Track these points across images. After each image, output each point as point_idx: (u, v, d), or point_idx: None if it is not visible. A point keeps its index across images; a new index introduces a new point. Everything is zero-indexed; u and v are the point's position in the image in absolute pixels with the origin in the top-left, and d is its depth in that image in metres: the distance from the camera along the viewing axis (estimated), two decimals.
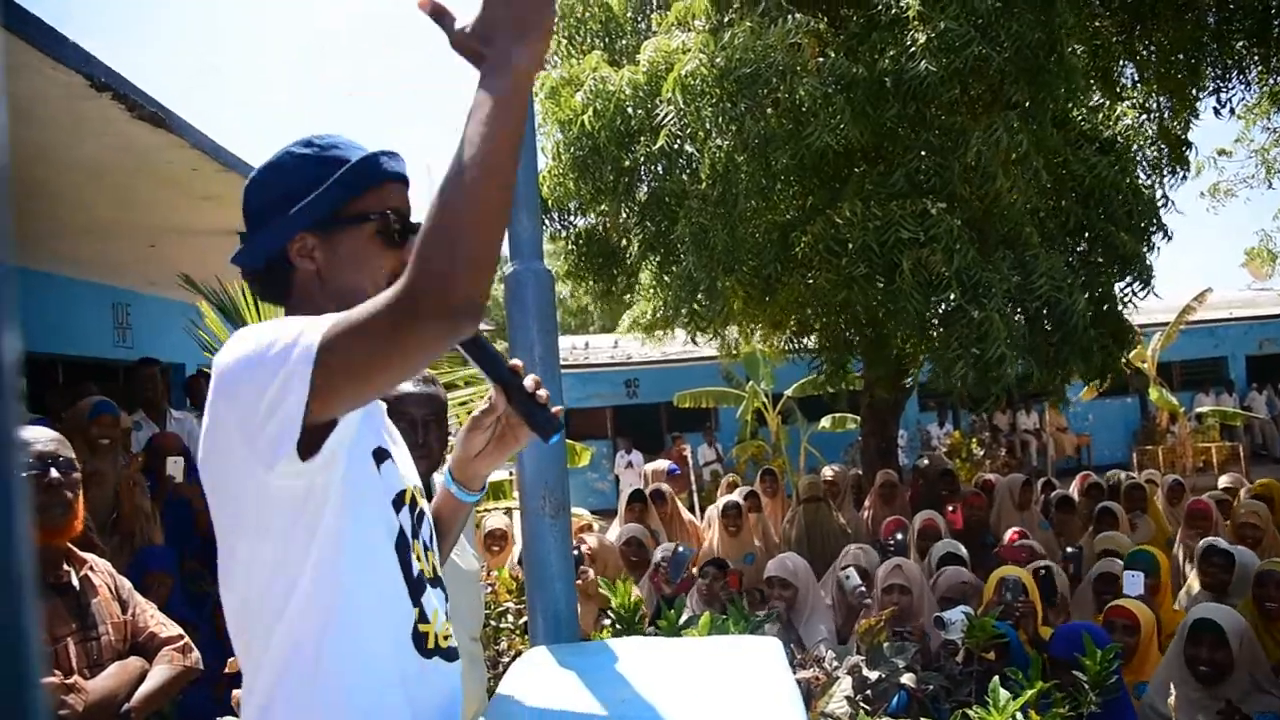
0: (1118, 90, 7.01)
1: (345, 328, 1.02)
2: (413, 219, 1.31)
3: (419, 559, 1.30)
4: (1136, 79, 7.43)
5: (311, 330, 1.04)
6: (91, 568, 2.49)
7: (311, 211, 1.24)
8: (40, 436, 2.32)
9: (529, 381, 1.34)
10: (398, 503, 1.28)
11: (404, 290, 0.98)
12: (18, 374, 0.37)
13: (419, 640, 1.25)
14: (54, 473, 2.28)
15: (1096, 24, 6.65)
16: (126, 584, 2.63)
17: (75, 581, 2.41)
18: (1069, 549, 5.31)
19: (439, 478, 1.58)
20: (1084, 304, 5.19)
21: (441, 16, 1.08)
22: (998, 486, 7.18)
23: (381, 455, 1.29)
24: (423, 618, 1.27)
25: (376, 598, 1.21)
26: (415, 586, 1.27)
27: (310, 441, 1.07)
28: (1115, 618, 3.83)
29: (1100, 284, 6.07)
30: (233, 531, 1.19)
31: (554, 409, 1.35)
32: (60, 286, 7.80)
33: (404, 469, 1.35)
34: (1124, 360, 6.55)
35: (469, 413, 5.49)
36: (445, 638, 1.31)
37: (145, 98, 4.47)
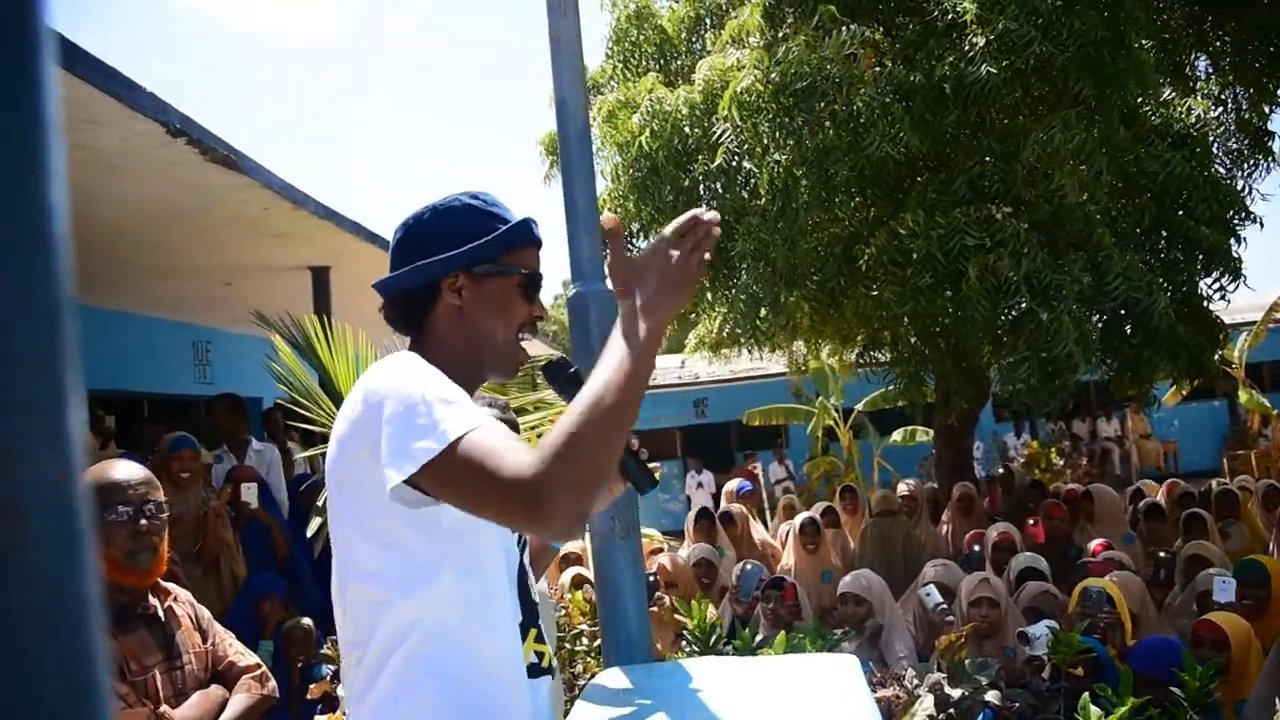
0: (1191, 83, 6.78)
1: (476, 458, 1.14)
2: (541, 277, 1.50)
3: (530, 587, 1.45)
4: (1210, 71, 7.18)
5: (456, 425, 1.17)
6: (175, 599, 2.55)
7: (472, 255, 1.40)
8: (134, 478, 2.39)
9: (634, 440, 1.43)
10: (517, 534, 1.45)
11: (531, 487, 1.10)
12: (82, 407, 0.37)
13: (528, 659, 1.39)
14: (142, 521, 2.35)
15: (1164, 17, 6.45)
16: (206, 613, 2.69)
17: (160, 613, 2.47)
18: (1161, 554, 5.09)
19: None
20: (1165, 303, 5.00)
21: (617, 237, 1.30)
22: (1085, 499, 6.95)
23: None
24: (539, 638, 1.41)
25: (494, 625, 1.33)
26: (528, 612, 1.40)
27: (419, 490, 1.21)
28: (1202, 632, 3.65)
29: (1183, 281, 5.85)
30: (353, 532, 1.31)
31: (653, 466, 1.46)
32: (143, 326, 8.10)
33: None
34: (1217, 357, 6.27)
35: (539, 436, 5.54)
36: (550, 659, 1.47)
37: (218, 141, 4.63)
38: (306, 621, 4.17)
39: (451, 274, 1.40)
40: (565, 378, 1.44)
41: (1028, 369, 4.72)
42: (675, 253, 1.21)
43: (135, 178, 4.87)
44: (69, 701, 0.34)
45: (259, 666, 2.67)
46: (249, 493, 4.94)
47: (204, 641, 2.60)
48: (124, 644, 2.32)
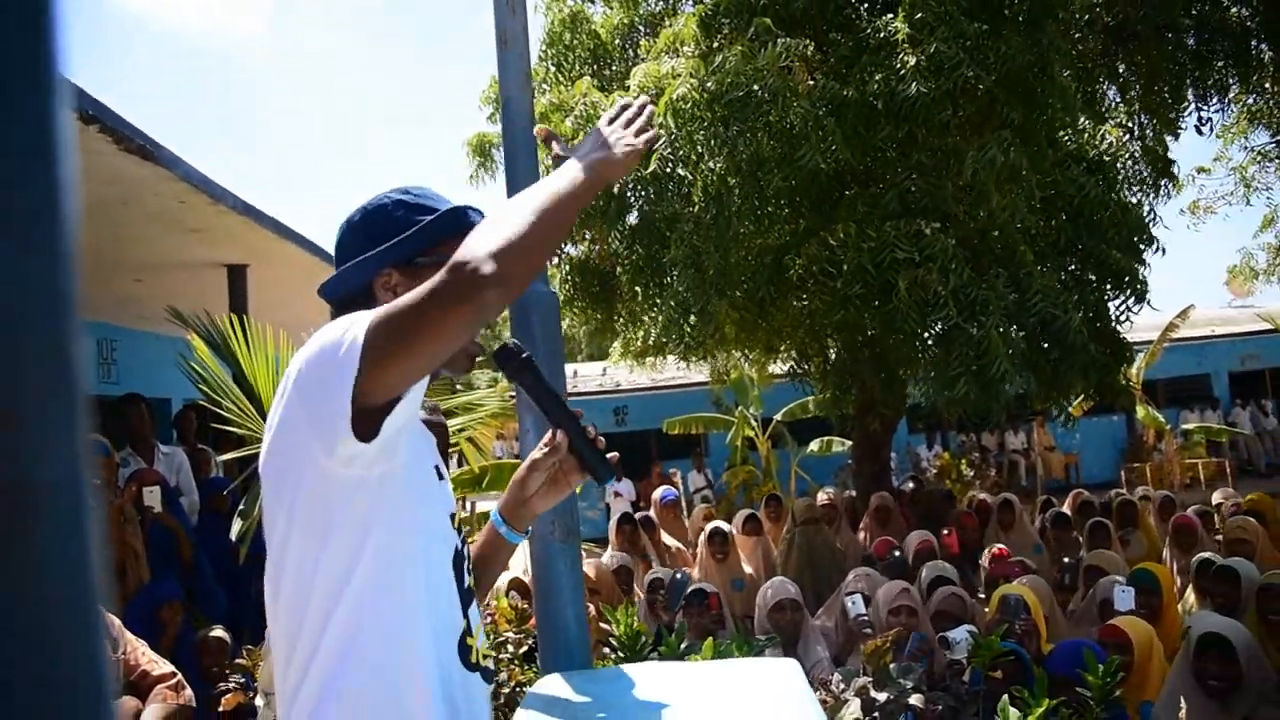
0: (1101, 111, 7.10)
1: (392, 307, 1.14)
2: None
3: (467, 574, 1.37)
4: (1119, 99, 7.53)
5: (365, 315, 1.15)
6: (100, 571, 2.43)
7: (400, 250, 1.36)
8: None
9: (591, 428, 1.44)
10: (452, 519, 1.37)
11: (445, 268, 1.12)
12: (88, 391, 0.37)
13: (464, 652, 1.31)
14: None
15: (1079, 48, 6.74)
16: (116, 622, 2.58)
17: None
18: (1065, 560, 5.30)
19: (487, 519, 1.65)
20: (1079, 320, 5.21)
21: (550, 140, 1.42)
22: (992, 508, 7.19)
23: (439, 474, 1.38)
24: (469, 631, 1.33)
25: (431, 599, 1.27)
26: (465, 599, 1.34)
27: (367, 423, 1.15)
28: (1106, 638, 3.80)
29: (1094, 300, 6.10)
30: (289, 525, 1.25)
31: (610, 455, 1.46)
32: None
33: (452, 494, 1.44)
34: (1122, 375, 6.56)
35: (468, 439, 5.43)
36: (485, 656, 1.38)
37: (133, 130, 4.44)
38: (219, 631, 4.02)
39: (384, 272, 1.36)
40: (519, 362, 1.40)
41: (964, 385, 4.86)
42: (611, 128, 1.35)
43: None
44: (80, 679, 0.34)
45: (174, 675, 2.57)
46: (151, 496, 4.75)
47: (115, 651, 2.49)
48: None
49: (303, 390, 1.19)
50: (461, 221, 1.39)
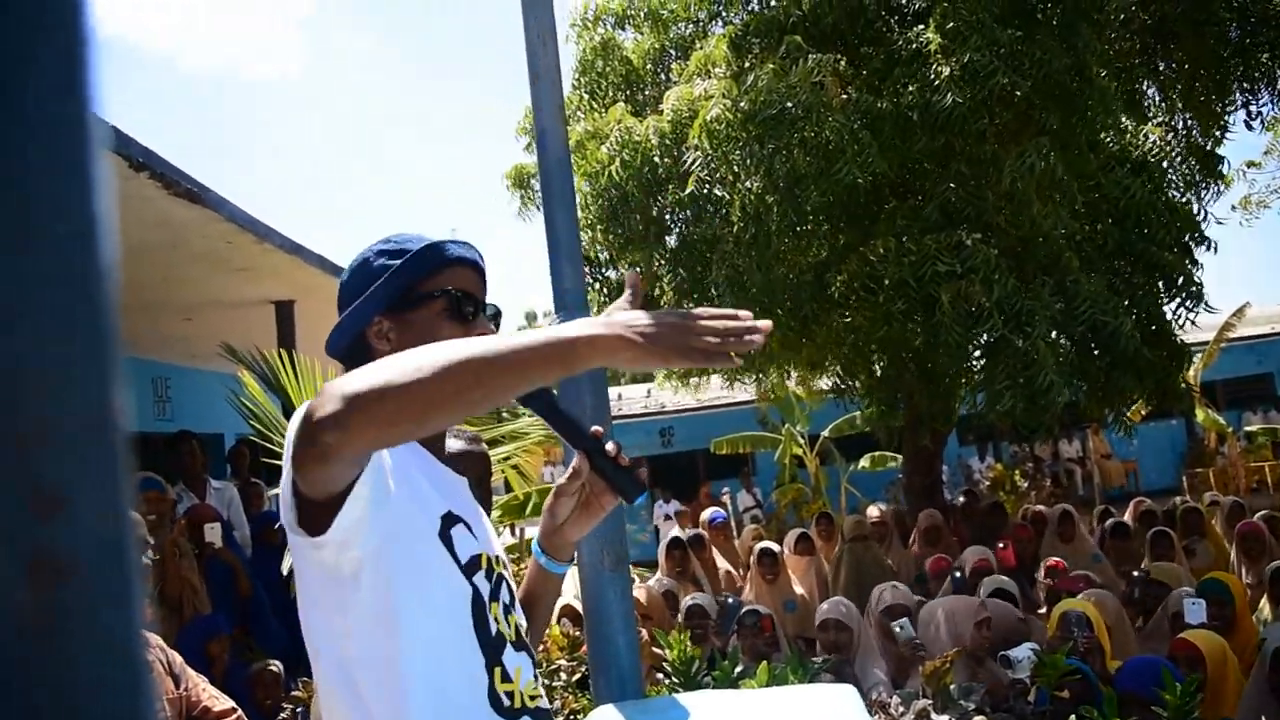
0: (1143, 110, 6.97)
1: (302, 411, 1.05)
2: (487, 301, 1.41)
3: (496, 620, 1.32)
4: (1160, 98, 7.39)
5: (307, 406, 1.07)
6: (146, 644, 2.46)
7: (384, 294, 1.34)
8: None
9: (611, 445, 1.37)
10: (472, 567, 1.31)
11: (313, 400, 1.02)
12: (131, 455, 0.35)
13: (496, 700, 1.27)
14: (143, 560, 2.27)
15: (1117, 47, 6.64)
16: (178, 659, 2.61)
17: None
18: (1134, 574, 5.13)
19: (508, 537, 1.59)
20: (1131, 325, 5.09)
21: (637, 294, 1.16)
22: (1047, 520, 7.03)
23: (451, 520, 1.32)
24: (504, 677, 1.29)
25: (432, 666, 1.24)
26: (495, 644, 1.29)
27: (320, 516, 1.11)
28: (1178, 651, 3.68)
29: (1146, 304, 5.96)
30: (302, 595, 1.26)
31: (639, 471, 1.39)
32: None
33: (481, 534, 1.38)
34: (1182, 378, 6.38)
35: (513, 467, 5.45)
36: (533, 697, 1.33)
37: (181, 174, 4.55)
38: (275, 664, 4.06)
39: (374, 321, 1.35)
40: (543, 401, 1.36)
41: (1011, 398, 4.77)
42: (687, 322, 1.00)
43: None
44: None
45: (234, 711, 2.59)
46: (211, 533, 4.84)
47: (177, 687, 2.52)
48: None
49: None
50: (435, 258, 1.36)
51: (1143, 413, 10.97)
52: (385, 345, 1.34)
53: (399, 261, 1.34)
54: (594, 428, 1.39)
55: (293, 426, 1.08)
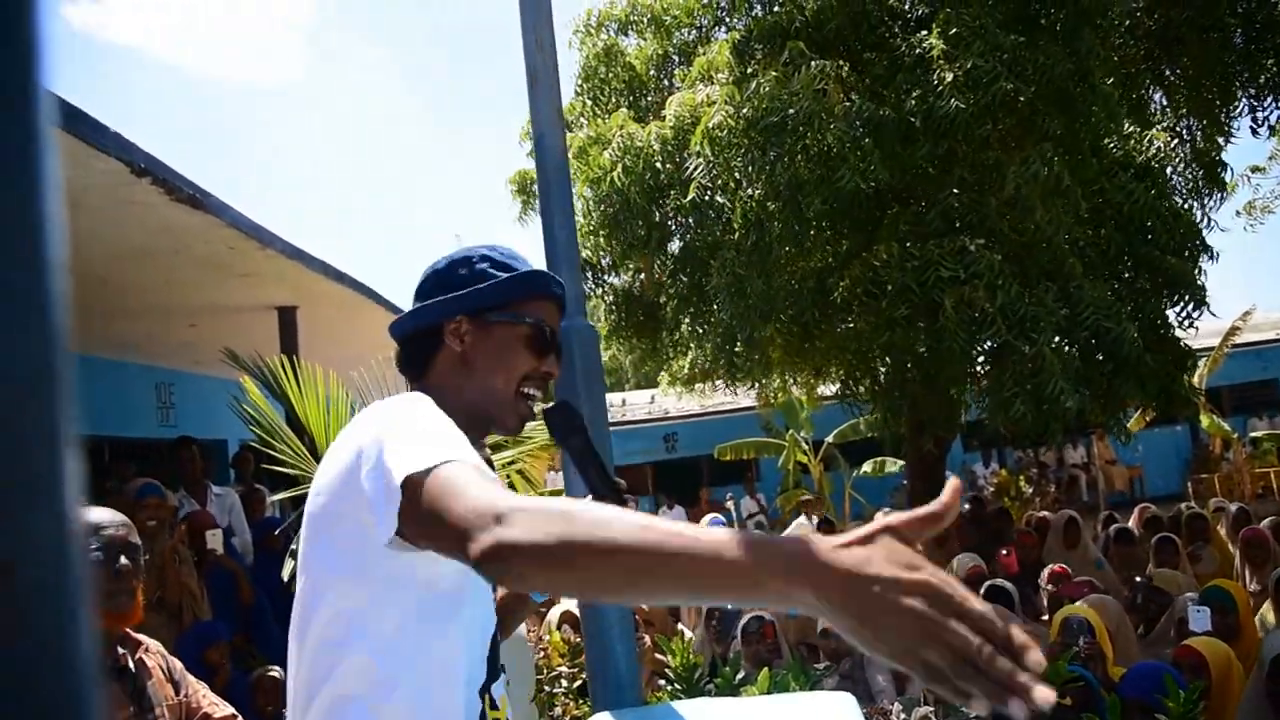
0: (1147, 116, 6.95)
1: (428, 490, 1.02)
2: (559, 338, 1.43)
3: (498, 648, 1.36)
4: (1165, 104, 7.37)
5: (424, 458, 1.04)
6: (146, 650, 2.46)
7: (477, 299, 1.36)
8: (111, 521, 2.31)
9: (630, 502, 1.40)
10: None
11: (470, 539, 0.93)
12: (79, 458, 0.35)
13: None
14: (123, 559, 2.27)
15: (1121, 53, 6.63)
16: (178, 665, 2.60)
17: (131, 664, 2.38)
18: (1137, 579, 5.10)
19: None
20: (1134, 331, 5.07)
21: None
22: (1051, 525, 7.00)
23: None
24: (493, 704, 1.32)
25: (468, 658, 1.26)
26: (493, 672, 1.32)
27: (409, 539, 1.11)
28: (1182, 658, 3.66)
29: (1150, 310, 5.94)
30: (328, 570, 1.24)
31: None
32: (105, 369, 7.93)
33: None
34: (1187, 383, 6.35)
35: (518, 472, 5.42)
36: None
37: (183, 180, 4.56)
38: (276, 670, 4.05)
39: (455, 318, 1.36)
40: (565, 423, 1.38)
41: (1020, 405, 4.75)
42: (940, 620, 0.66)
43: (98, 218, 4.78)
44: None
45: (235, 717, 2.58)
46: (213, 539, 4.84)
47: (176, 694, 2.51)
48: None
49: (365, 475, 1.13)
50: (537, 285, 1.38)
51: (1147, 419, 10.94)
52: (457, 344, 1.36)
53: (504, 275, 1.37)
54: (621, 482, 1.40)
55: (401, 472, 1.04)
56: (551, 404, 1.42)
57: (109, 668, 2.31)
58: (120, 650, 2.36)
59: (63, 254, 0.35)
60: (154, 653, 2.50)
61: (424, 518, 1.01)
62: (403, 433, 1.12)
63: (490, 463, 2.56)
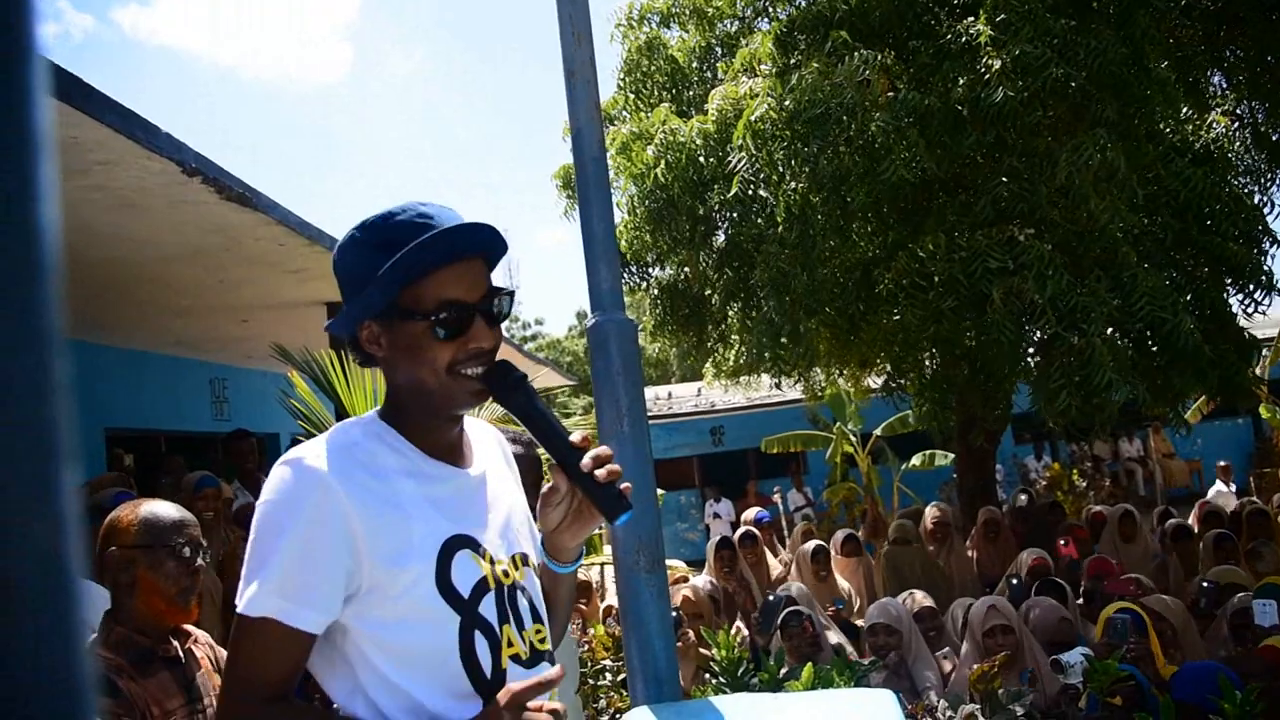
0: (1206, 99, 6.73)
1: (233, 639, 1.24)
2: (494, 287, 1.30)
3: (509, 644, 1.31)
4: (1225, 87, 7.14)
5: (241, 598, 1.22)
6: (195, 640, 2.51)
7: (369, 303, 1.26)
8: (187, 518, 2.36)
9: (587, 460, 1.28)
10: (477, 594, 1.29)
11: (224, 703, 1.26)
12: (76, 469, 0.34)
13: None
14: (199, 560, 2.32)
15: (1178, 34, 6.43)
16: (225, 655, 2.65)
17: (181, 655, 2.43)
18: (1205, 584, 4.94)
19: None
20: (1191, 321, 4.93)
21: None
22: (1106, 520, 6.86)
23: (456, 545, 1.29)
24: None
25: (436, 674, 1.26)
26: (494, 687, 1.27)
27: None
28: (1244, 659, 3.54)
29: (1210, 298, 5.76)
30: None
31: (622, 485, 1.29)
32: (161, 365, 8.13)
33: (496, 542, 1.35)
34: (1249, 373, 6.12)
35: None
36: (551, 712, 1.29)
37: (233, 179, 4.64)
38: None
39: (364, 324, 1.28)
40: (501, 383, 1.28)
41: (1067, 396, 4.64)
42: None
43: (151, 218, 4.89)
44: None
45: None
46: None
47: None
48: (146, 687, 2.28)
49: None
50: (426, 261, 1.24)
51: (1205, 411, 10.63)
52: (377, 350, 1.30)
53: (384, 266, 1.23)
54: (576, 435, 1.31)
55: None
56: (489, 367, 1.29)
57: (160, 659, 2.37)
58: (171, 642, 2.42)
59: (57, 255, 0.34)
60: (202, 643, 2.56)
61: (228, 646, 1.23)
62: (252, 548, 1.23)
63: (538, 461, 2.55)
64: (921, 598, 4.78)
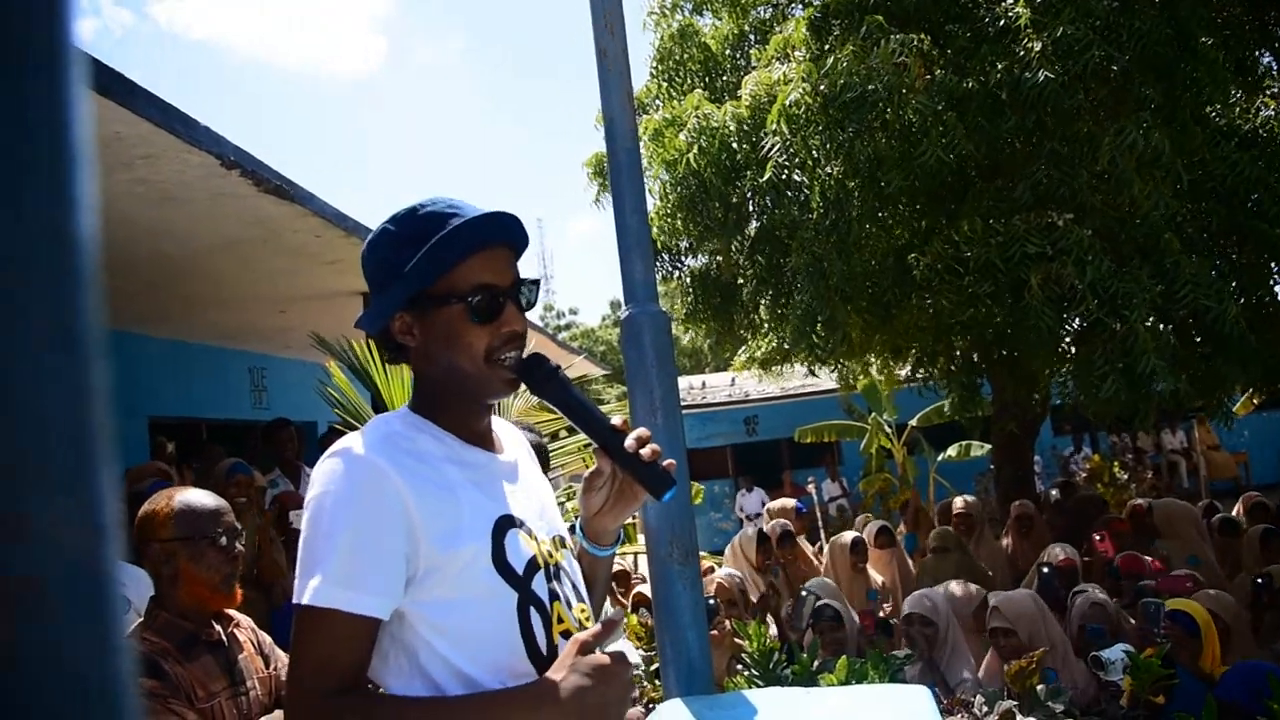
0: (1255, 81, 6.54)
1: (295, 632, 1.23)
2: (522, 276, 1.34)
3: (560, 620, 1.32)
4: (1275, 68, 6.94)
5: (301, 590, 1.21)
6: (237, 625, 2.56)
7: (402, 293, 1.29)
8: (224, 506, 2.40)
9: (630, 441, 1.31)
10: (530, 571, 1.30)
11: (292, 693, 1.24)
12: (114, 467, 0.33)
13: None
14: (237, 545, 2.36)
15: (1224, 13, 6.25)
16: (268, 639, 2.69)
17: (224, 639, 2.47)
18: (1258, 579, 4.83)
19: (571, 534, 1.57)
20: (1236, 310, 4.80)
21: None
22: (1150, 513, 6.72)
23: (506, 524, 1.31)
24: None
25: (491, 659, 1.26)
26: (548, 663, 1.28)
27: None
28: None
29: (1256, 286, 5.62)
30: None
31: (665, 463, 1.32)
32: (202, 354, 8.27)
33: (538, 521, 1.38)
34: None
35: (584, 462, 5.48)
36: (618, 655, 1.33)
37: (270, 171, 4.69)
38: None
39: (396, 315, 1.31)
40: (543, 374, 1.32)
41: (1112, 384, 4.54)
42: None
43: (192, 210, 4.96)
44: None
45: None
46: (298, 519, 5.00)
47: (267, 666, 2.60)
48: (190, 671, 2.32)
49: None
50: (455, 248, 1.28)
51: (1255, 402, 10.40)
52: (411, 340, 1.32)
53: (415, 258, 1.26)
54: (616, 419, 1.34)
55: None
56: (524, 357, 1.33)
57: (204, 642, 2.41)
58: (214, 626, 2.46)
59: (95, 259, 0.33)
60: (245, 628, 2.60)
61: (292, 640, 1.21)
62: (308, 542, 1.23)
63: (544, 450, 2.55)
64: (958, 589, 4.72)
